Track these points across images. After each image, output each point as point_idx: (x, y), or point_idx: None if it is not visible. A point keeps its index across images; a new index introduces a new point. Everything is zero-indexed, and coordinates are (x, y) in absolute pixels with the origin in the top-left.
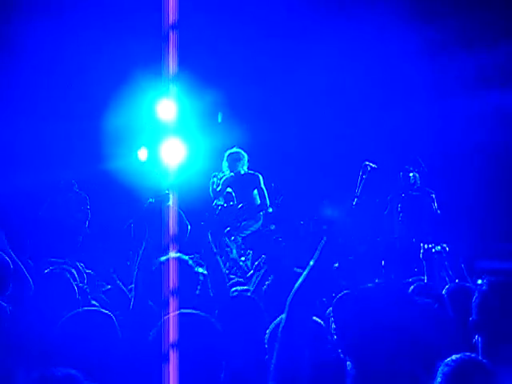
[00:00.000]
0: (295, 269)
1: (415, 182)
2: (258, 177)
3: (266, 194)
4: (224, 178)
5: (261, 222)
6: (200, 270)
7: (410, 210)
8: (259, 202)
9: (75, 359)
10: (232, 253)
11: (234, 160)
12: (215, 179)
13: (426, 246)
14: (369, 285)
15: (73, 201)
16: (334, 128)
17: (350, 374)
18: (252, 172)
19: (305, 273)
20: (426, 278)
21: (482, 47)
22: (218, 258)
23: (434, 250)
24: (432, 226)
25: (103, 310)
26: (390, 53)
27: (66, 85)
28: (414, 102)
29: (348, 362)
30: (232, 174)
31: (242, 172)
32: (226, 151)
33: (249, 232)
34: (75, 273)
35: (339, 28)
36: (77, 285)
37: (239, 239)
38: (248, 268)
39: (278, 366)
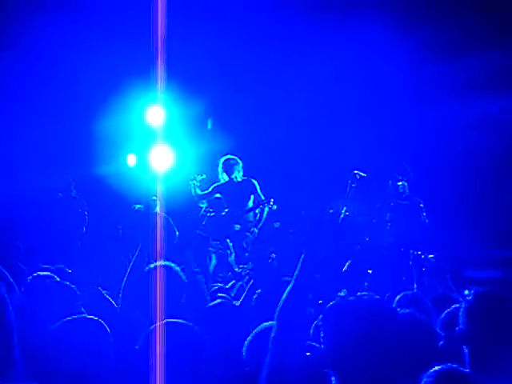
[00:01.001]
0: (283, 278)
1: (404, 191)
2: (254, 183)
3: (263, 199)
4: (216, 184)
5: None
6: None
7: (398, 219)
8: (256, 206)
9: (67, 367)
10: (230, 256)
11: (232, 164)
12: (194, 181)
13: (415, 253)
14: (350, 298)
15: (70, 206)
16: (323, 136)
17: None
18: (246, 178)
19: (290, 284)
20: (415, 286)
21: (467, 54)
22: (200, 276)
23: (423, 257)
24: (420, 236)
25: (95, 318)
26: (377, 63)
27: (56, 91)
28: (403, 111)
29: (332, 378)
30: (227, 179)
31: (239, 179)
32: (214, 158)
33: (250, 237)
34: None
35: (327, 38)
36: (68, 291)
37: (245, 244)
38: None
39: (270, 376)
